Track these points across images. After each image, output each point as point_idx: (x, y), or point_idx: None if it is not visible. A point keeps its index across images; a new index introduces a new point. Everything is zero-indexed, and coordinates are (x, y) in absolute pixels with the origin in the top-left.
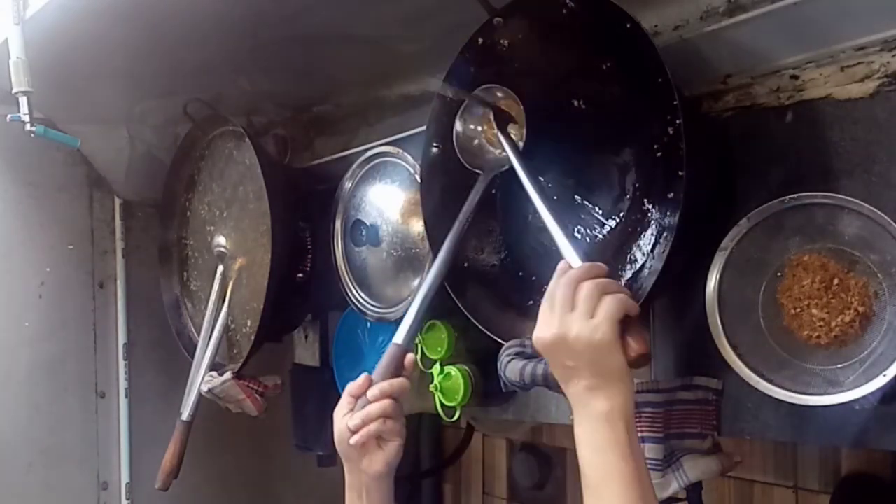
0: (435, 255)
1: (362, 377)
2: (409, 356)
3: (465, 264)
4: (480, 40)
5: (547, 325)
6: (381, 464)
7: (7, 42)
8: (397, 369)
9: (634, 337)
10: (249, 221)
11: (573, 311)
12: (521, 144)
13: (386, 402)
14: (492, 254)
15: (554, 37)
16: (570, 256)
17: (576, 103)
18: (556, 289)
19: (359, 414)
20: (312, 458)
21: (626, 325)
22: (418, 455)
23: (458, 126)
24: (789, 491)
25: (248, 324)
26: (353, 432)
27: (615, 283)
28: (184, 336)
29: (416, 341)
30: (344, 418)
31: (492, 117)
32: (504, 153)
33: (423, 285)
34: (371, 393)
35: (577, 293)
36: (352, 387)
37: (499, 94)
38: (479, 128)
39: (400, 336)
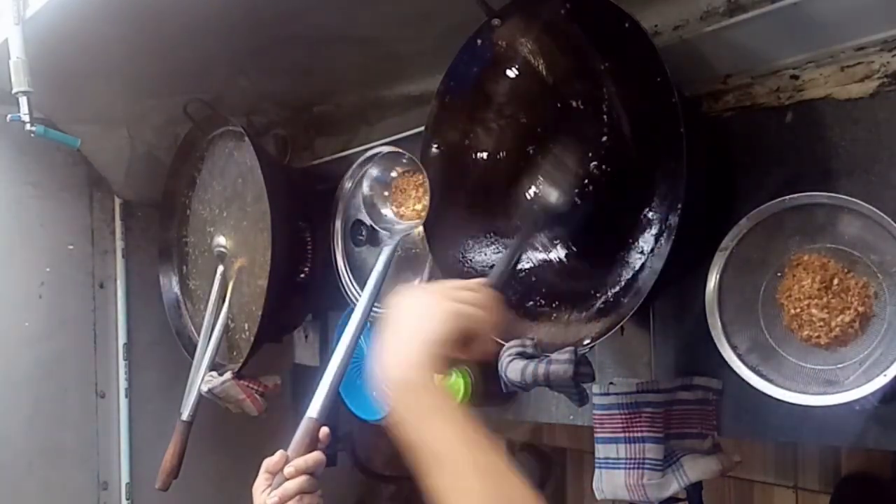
0: (360, 315)
1: (278, 454)
2: (324, 430)
3: (466, 266)
4: (479, 41)
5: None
6: None
7: (7, 42)
8: (312, 443)
9: (466, 345)
10: (249, 221)
11: None
12: (422, 218)
13: (302, 479)
14: (492, 255)
15: (552, 37)
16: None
17: (574, 104)
18: None
19: (276, 492)
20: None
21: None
22: None
23: (366, 190)
24: (789, 491)
25: (248, 324)
26: None
27: None
28: (184, 336)
29: None
30: (262, 496)
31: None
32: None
33: (335, 356)
34: (287, 470)
35: None
36: (268, 463)
37: (403, 161)
38: (385, 193)
39: (314, 409)
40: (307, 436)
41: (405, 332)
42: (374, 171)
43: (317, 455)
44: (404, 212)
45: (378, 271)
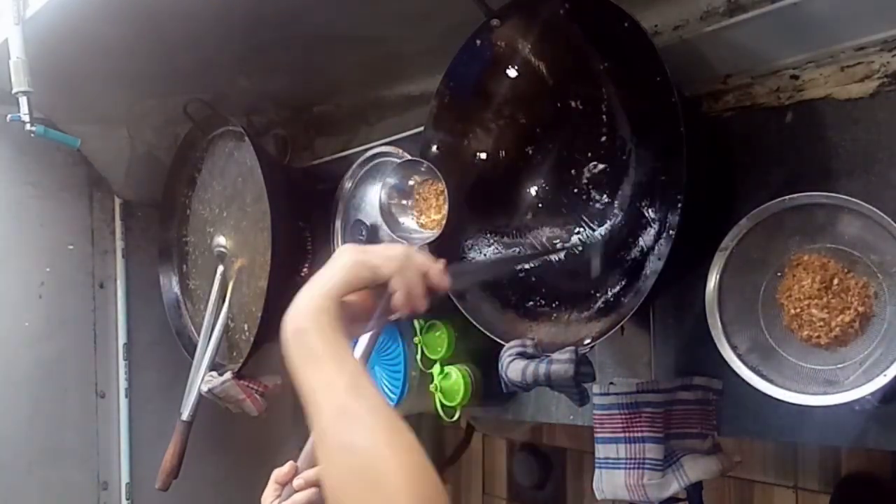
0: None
1: (288, 465)
2: None
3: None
4: (478, 41)
5: None
6: None
7: (7, 42)
8: None
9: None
10: (249, 221)
11: None
12: (441, 227)
13: (311, 491)
14: (491, 255)
15: (552, 37)
16: None
17: (574, 104)
18: None
19: (285, 503)
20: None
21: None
22: None
23: (383, 196)
24: (789, 491)
25: (248, 324)
26: None
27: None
28: (184, 336)
29: (416, 341)
30: None
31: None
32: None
33: None
34: (296, 482)
35: None
36: (277, 474)
37: (422, 169)
38: (405, 201)
39: None
40: None
41: (310, 284)
42: (391, 180)
43: None
44: (425, 220)
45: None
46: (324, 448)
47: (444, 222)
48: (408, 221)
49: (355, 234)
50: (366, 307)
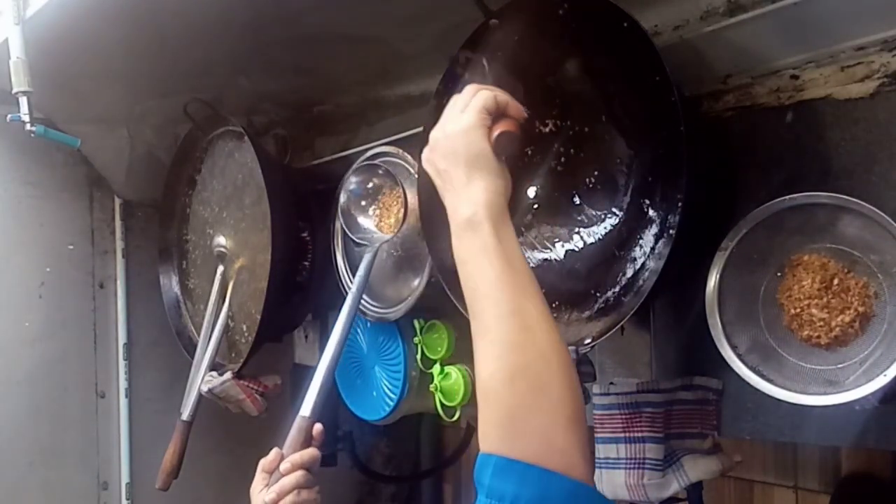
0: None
1: (273, 452)
2: (317, 426)
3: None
4: (477, 42)
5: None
6: None
7: (7, 42)
8: (307, 441)
9: (502, 119)
10: (249, 221)
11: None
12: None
13: (298, 474)
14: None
15: (551, 37)
16: None
17: (573, 104)
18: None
19: (273, 488)
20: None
21: (498, 119)
22: (418, 455)
23: (342, 199)
24: (789, 491)
25: (248, 324)
26: None
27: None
28: (184, 336)
29: (416, 341)
30: (260, 494)
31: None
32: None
33: (324, 357)
34: (283, 467)
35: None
36: (264, 463)
37: (379, 171)
38: (363, 203)
39: (306, 408)
40: (301, 434)
41: (454, 167)
42: (351, 184)
43: (312, 451)
44: (383, 224)
45: (360, 276)
46: (489, 343)
47: (400, 226)
48: (367, 223)
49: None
50: (510, 131)
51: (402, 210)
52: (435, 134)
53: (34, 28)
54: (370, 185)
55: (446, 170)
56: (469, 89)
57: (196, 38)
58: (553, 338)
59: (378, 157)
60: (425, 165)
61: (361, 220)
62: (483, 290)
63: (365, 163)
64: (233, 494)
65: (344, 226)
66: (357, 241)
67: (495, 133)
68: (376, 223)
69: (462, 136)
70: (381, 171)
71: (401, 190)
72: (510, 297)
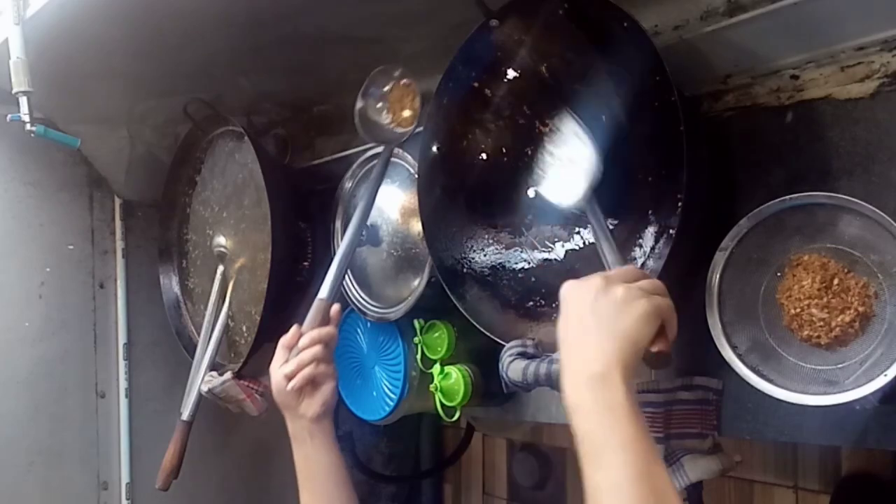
0: (361, 217)
1: (293, 329)
2: (335, 307)
3: (465, 267)
4: (477, 42)
5: (593, 276)
6: (319, 405)
7: (7, 42)
8: (324, 321)
9: (661, 337)
10: (249, 221)
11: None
12: (412, 123)
13: (317, 348)
14: (492, 255)
15: (551, 37)
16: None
17: (573, 104)
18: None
19: (293, 360)
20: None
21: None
22: (418, 455)
23: (360, 104)
24: (789, 491)
25: (248, 324)
26: (289, 379)
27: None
28: (184, 336)
29: (416, 341)
30: (280, 369)
31: (393, 92)
32: (400, 129)
33: (343, 243)
34: (302, 342)
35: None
36: (284, 339)
37: (395, 74)
38: (378, 104)
39: (324, 291)
40: (319, 313)
41: (607, 328)
42: (368, 89)
43: (329, 328)
44: (399, 119)
45: (377, 171)
46: (619, 500)
47: (416, 117)
48: (382, 121)
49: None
50: (666, 354)
51: (418, 108)
52: (599, 280)
53: (34, 28)
54: (385, 88)
55: (588, 324)
56: (653, 279)
57: (196, 38)
58: (679, 500)
59: (378, 70)
60: (567, 293)
61: (377, 119)
62: (613, 446)
63: (381, 67)
64: (233, 494)
65: (361, 131)
66: (375, 142)
67: (654, 348)
68: (391, 120)
69: (628, 314)
70: (396, 74)
71: (414, 88)
72: (643, 460)
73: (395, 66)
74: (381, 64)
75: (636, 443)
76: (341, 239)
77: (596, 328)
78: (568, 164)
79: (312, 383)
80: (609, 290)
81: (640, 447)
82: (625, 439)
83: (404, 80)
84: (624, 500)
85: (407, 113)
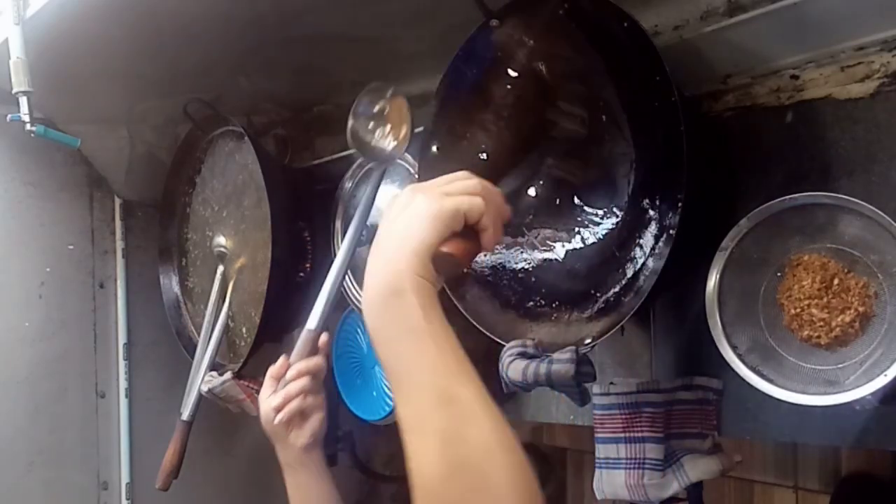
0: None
1: (280, 359)
2: (323, 336)
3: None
4: (477, 42)
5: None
6: (308, 436)
7: (7, 42)
8: (313, 351)
9: (455, 238)
10: (249, 221)
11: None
12: (404, 145)
13: (304, 380)
14: (491, 255)
15: (551, 37)
16: None
17: (574, 104)
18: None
19: (281, 392)
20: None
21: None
22: None
23: (351, 122)
24: (789, 491)
25: (248, 324)
26: (278, 411)
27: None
28: (184, 336)
29: None
30: (268, 400)
31: (385, 112)
32: (395, 147)
33: (331, 272)
34: (289, 374)
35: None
36: (272, 370)
37: (387, 93)
38: (370, 124)
39: (312, 321)
40: (307, 345)
41: (395, 237)
42: (361, 108)
43: (317, 359)
44: (390, 140)
45: (369, 191)
46: (420, 435)
47: (409, 136)
48: (375, 140)
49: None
50: (455, 256)
51: (409, 125)
52: (405, 194)
53: (34, 28)
54: (376, 107)
55: (384, 235)
56: (470, 179)
57: (196, 38)
58: (496, 426)
59: (368, 89)
60: (403, 194)
61: (369, 138)
62: (414, 376)
63: (374, 84)
64: (233, 494)
65: (354, 149)
66: (368, 160)
67: (444, 248)
68: (384, 139)
69: (416, 220)
70: (388, 94)
71: (405, 104)
72: (445, 384)
73: (387, 86)
74: (382, 64)
75: (437, 367)
76: (341, 239)
77: (388, 240)
78: None
79: (301, 414)
80: (411, 202)
81: (441, 371)
82: (424, 364)
83: (396, 99)
84: (427, 434)
85: (399, 132)
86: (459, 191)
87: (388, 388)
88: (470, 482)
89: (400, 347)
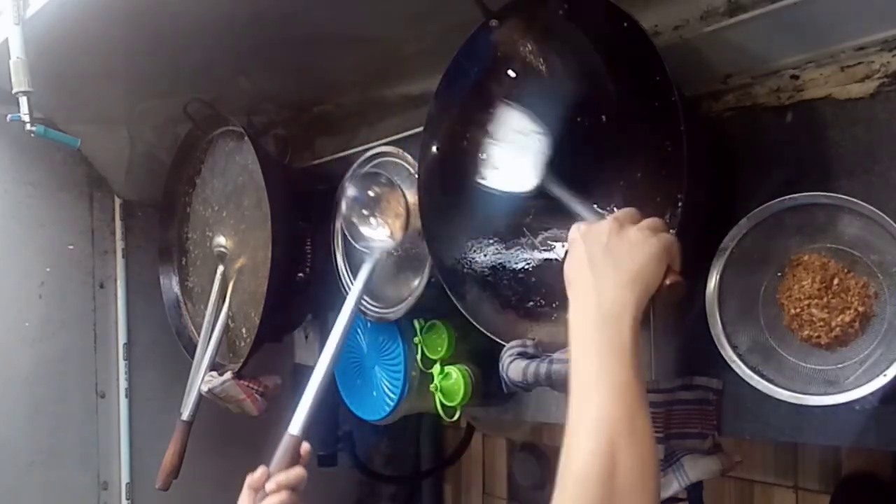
0: (346, 316)
1: (259, 470)
2: (305, 446)
3: (466, 267)
4: (477, 42)
5: (604, 220)
6: None
7: (7, 42)
8: (293, 459)
9: (671, 271)
10: (249, 221)
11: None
12: (399, 236)
13: (283, 494)
14: (492, 255)
15: (551, 38)
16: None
17: (574, 104)
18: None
19: None
20: (312, 458)
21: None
22: (418, 455)
23: (343, 207)
24: (789, 491)
25: (248, 324)
26: None
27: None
28: (184, 336)
29: (416, 341)
30: None
31: (380, 199)
32: (389, 237)
33: (315, 373)
34: (269, 486)
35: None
36: (251, 480)
37: (381, 180)
38: (365, 211)
39: (295, 426)
40: (288, 452)
41: (626, 271)
42: (351, 192)
43: (298, 471)
44: (385, 230)
45: (357, 287)
46: (596, 437)
47: (403, 232)
48: (368, 231)
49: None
50: (682, 282)
51: (405, 216)
52: (609, 223)
53: (34, 28)
54: (371, 193)
55: (603, 262)
56: (658, 223)
57: (196, 38)
58: (653, 451)
59: (378, 159)
60: (578, 235)
61: (364, 229)
62: (606, 385)
63: (365, 169)
64: (233, 494)
65: (347, 235)
66: (361, 248)
67: (667, 280)
68: (379, 229)
69: (641, 255)
70: (382, 181)
71: (402, 195)
72: (630, 403)
73: (378, 175)
74: (382, 64)
75: (629, 387)
76: (341, 240)
77: (613, 269)
78: (518, 151)
79: None
80: (622, 233)
81: (631, 391)
82: (618, 382)
83: (393, 190)
84: (602, 434)
85: (395, 223)
86: (660, 228)
87: (389, 388)
88: (615, 495)
89: (601, 361)
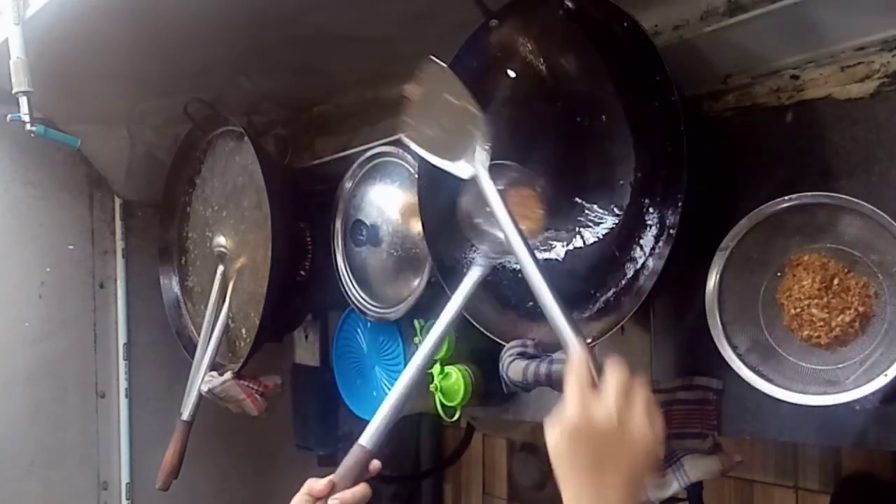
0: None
1: (325, 481)
2: (375, 462)
3: (465, 267)
4: (477, 42)
5: (580, 405)
6: None
7: (7, 42)
8: (361, 474)
9: None
10: (249, 221)
11: (631, 412)
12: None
13: None
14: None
15: (551, 38)
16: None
17: (574, 104)
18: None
19: None
20: (312, 458)
21: None
22: (418, 455)
23: (462, 201)
24: (789, 491)
25: (248, 324)
26: None
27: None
28: (184, 336)
29: (416, 341)
30: None
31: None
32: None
33: (395, 387)
34: (331, 502)
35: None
36: (312, 487)
37: (513, 174)
38: (487, 209)
39: (366, 438)
40: (357, 466)
41: (624, 473)
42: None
43: (364, 489)
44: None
45: (463, 295)
46: None
47: (542, 226)
48: (495, 228)
49: (355, 234)
50: None
51: (542, 208)
52: (603, 413)
53: (34, 28)
54: (500, 186)
55: (600, 461)
56: (647, 399)
57: (196, 38)
58: None
59: (378, 159)
60: (571, 429)
61: (487, 227)
62: None
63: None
64: (233, 494)
65: (468, 236)
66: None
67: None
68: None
69: (642, 458)
70: (514, 173)
71: (531, 190)
72: None
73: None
74: (382, 64)
75: None
76: (341, 239)
77: (613, 469)
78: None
79: None
80: (623, 433)
81: None
82: None
83: (524, 189)
84: None
85: (534, 222)
86: (648, 407)
87: (389, 388)
88: None
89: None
